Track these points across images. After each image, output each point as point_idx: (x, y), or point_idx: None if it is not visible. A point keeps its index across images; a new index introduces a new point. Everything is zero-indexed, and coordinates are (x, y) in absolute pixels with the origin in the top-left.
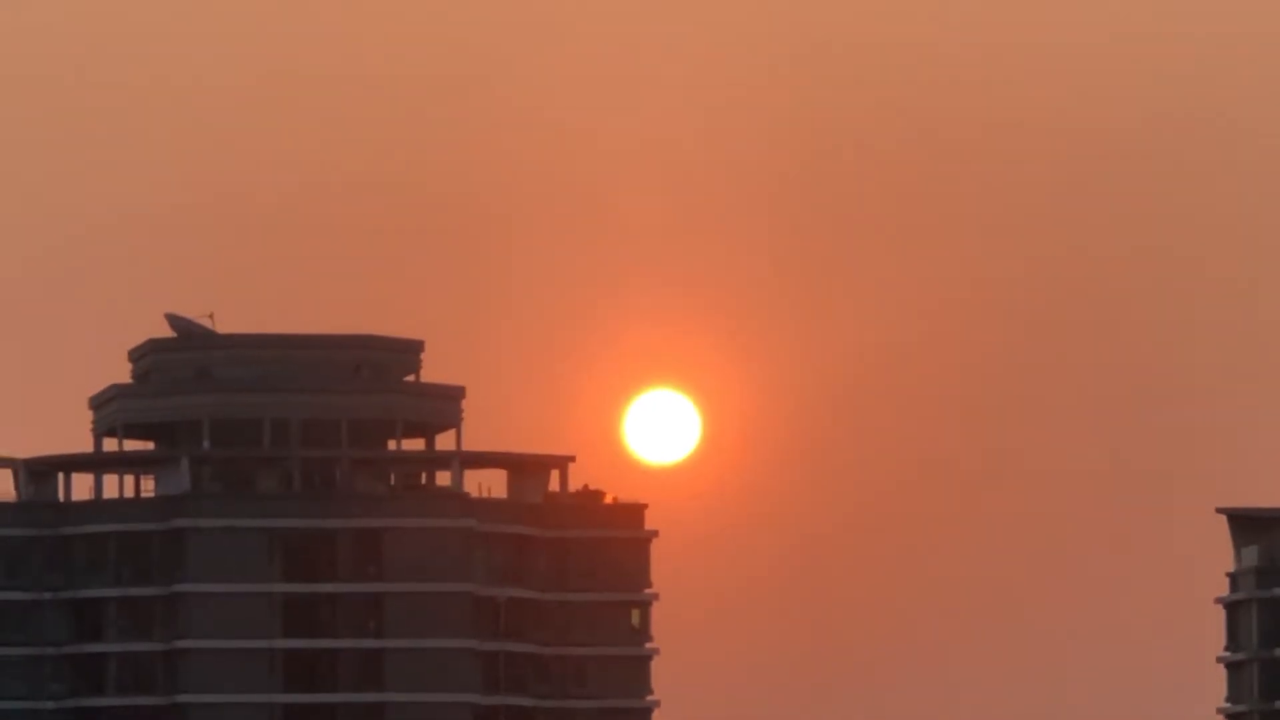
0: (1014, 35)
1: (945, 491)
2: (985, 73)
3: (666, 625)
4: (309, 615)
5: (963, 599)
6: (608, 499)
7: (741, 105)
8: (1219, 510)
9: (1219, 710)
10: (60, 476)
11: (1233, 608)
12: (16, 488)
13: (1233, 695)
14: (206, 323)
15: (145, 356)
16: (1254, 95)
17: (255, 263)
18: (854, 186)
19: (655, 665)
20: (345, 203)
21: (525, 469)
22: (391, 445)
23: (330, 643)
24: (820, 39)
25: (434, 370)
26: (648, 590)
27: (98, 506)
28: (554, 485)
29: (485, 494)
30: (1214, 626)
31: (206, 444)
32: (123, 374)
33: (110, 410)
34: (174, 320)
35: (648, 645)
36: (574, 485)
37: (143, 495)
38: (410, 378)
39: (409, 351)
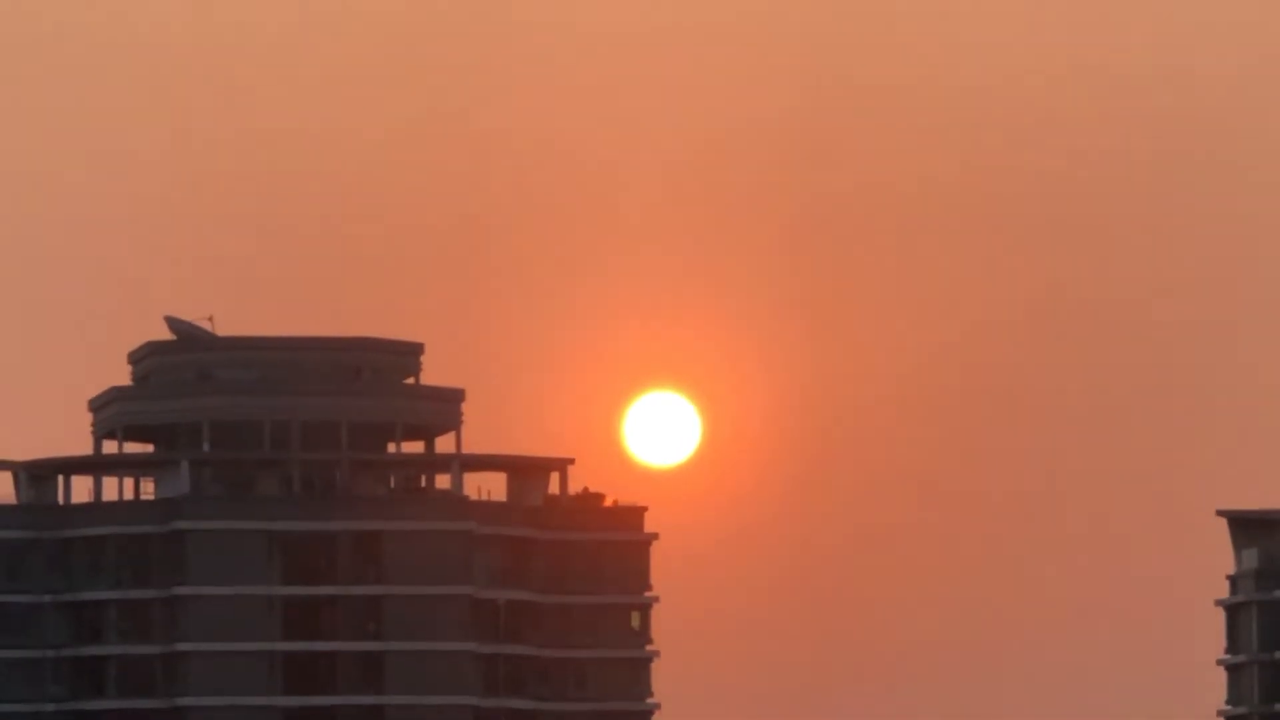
0: (1015, 36)
1: (945, 494)
2: (994, 75)
3: (666, 628)
4: (309, 618)
5: (963, 601)
6: (608, 501)
7: (742, 106)
8: (1219, 512)
9: (1219, 713)
10: (60, 479)
11: (1233, 610)
12: (16, 490)
13: (1233, 698)
14: (206, 325)
15: (145, 359)
16: (1255, 97)
17: (255, 266)
18: (856, 190)
19: (655, 668)
20: (345, 205)
21: (525, 471)
22: (391, 448)
23: (330, 645)
24: (822, 39)
25: (434, 373)
26: (648, 593)
27: (98, 509)
28: (554, 488)
29: (485, 496)
30: (1214, 629)
31: (206, 447)
32: (123, 376)
33: (110, 413)
34: (174, 323)
35: (648, 648)
36: (574, 488)
37: (143, 498)
38: (410, 380)
39: (409, 354)
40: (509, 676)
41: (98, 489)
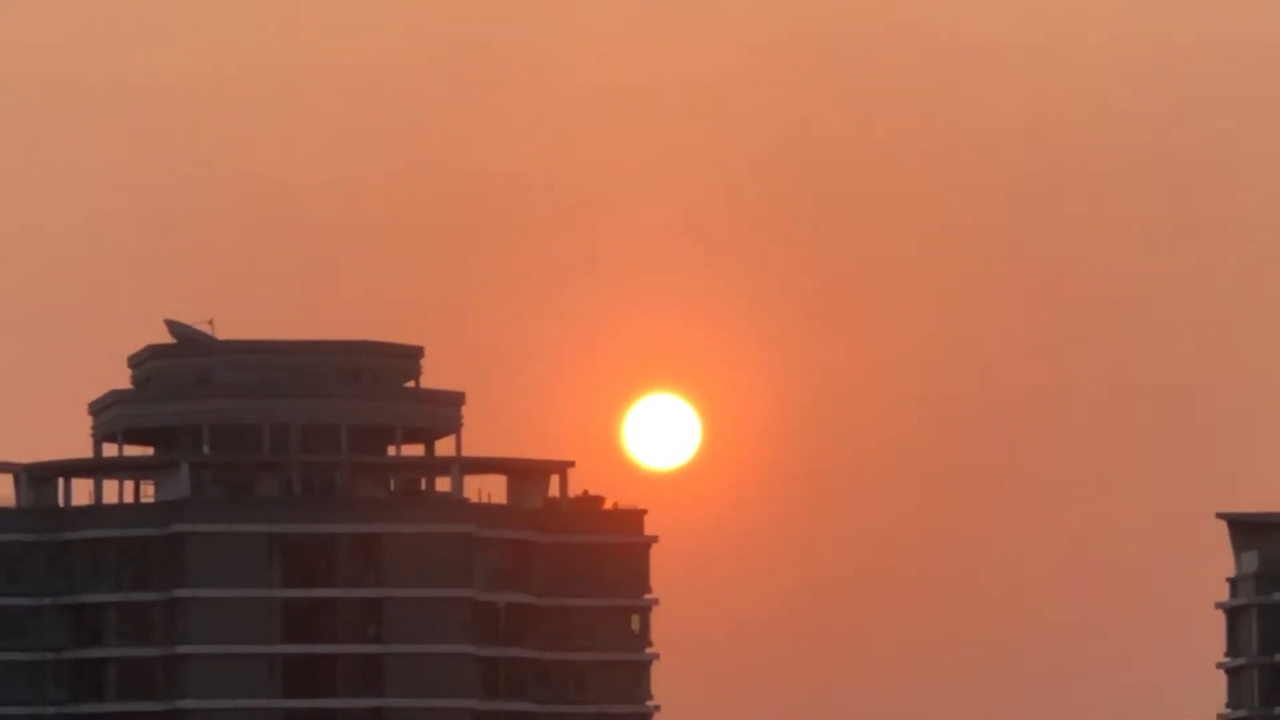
0: (1017, 38)
1: (946, 497)
2: (995, 75)
3: (666, 630)
4: (309, 620)
5: (964, 604)
6: (607, 504)
7: (743, 107)
8: (1219, 515)
9: (1219, 716)
10: (60, 482)
11: (1233, 613)
12: (17, 493)
13: (1233, 700)
14: (206, 329)
15: (145, 362)
16: (1256, 100)
17: (255, 269)
18: (857, 191)
19: (655, 670)
20: (345, 208)
21: (525, 474)
22: (391, 451)
23: (330, 648)
24: (824, 39)
25: (434, 376)
26: (647, 595)
27: (98, 512)
28: (554, 490)
29: (485, 499)
30: (1214, 632)
31: (206, 449)
32: (123, 380)
33: (110, 416)
34: (174, 326)
35: (647, 650)
36: (574, 490)
37: (143, 500)
38: (410, 383)
39: (409, 357)
40: (509, 679)
41: (98, 492)
